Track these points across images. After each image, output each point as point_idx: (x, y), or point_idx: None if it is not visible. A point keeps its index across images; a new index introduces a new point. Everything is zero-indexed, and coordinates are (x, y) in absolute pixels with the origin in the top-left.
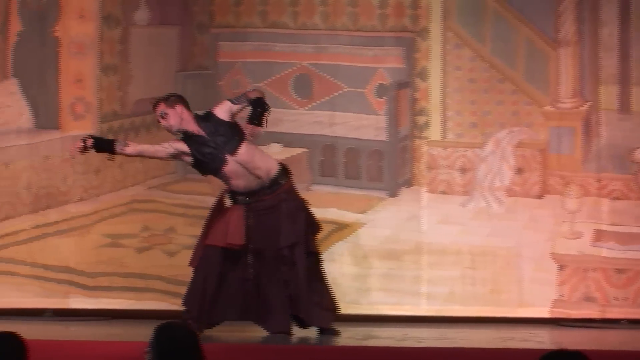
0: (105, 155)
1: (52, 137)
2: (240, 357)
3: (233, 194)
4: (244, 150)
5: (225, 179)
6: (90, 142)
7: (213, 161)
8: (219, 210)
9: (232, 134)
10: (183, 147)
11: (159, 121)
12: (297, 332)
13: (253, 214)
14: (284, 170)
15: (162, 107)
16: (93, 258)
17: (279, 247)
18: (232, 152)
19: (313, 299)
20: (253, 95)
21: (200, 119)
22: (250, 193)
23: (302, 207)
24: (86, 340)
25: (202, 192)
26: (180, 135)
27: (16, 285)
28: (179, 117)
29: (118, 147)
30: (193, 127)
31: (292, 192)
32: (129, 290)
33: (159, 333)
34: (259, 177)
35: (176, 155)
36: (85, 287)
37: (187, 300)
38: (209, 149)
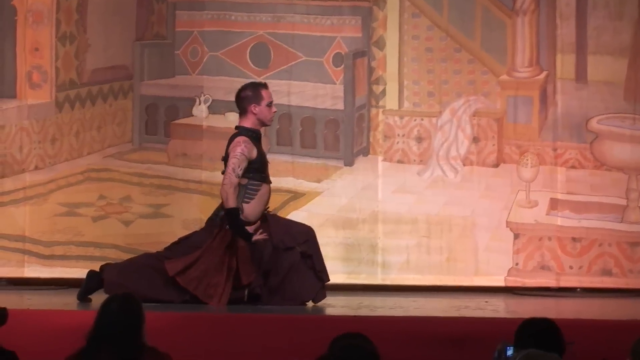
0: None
1: (9, 106)
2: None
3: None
4: None
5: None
6: None
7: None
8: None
9: None
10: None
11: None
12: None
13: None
14: None
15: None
16: (49, 227)
17: (286, 245)
18: None
19: None
20: None
21: None
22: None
23: None
24: (41, 309)
25: (158, 161)
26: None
27: None
28: None
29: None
30: None
31: None
32: (84, 259)
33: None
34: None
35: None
36: (40, 255)
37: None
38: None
